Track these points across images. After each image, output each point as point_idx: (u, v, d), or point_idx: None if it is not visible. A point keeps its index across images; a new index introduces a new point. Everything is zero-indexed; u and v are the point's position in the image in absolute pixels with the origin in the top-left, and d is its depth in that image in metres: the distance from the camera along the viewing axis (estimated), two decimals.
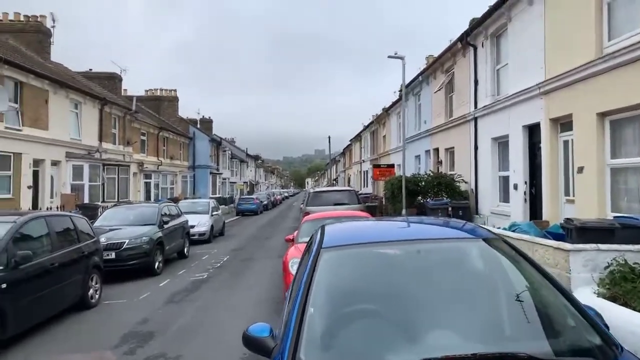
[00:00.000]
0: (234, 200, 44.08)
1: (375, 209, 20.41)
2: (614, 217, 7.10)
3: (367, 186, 36.45)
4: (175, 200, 24.99)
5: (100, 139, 21.95)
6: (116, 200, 21.61)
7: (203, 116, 47.39)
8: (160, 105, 37.57)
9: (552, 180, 9.85)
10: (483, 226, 3.81)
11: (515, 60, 11.60)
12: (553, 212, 9.73)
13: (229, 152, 49.39)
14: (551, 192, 9.86)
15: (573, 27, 8.87)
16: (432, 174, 16.20)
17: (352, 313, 2.56)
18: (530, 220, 10.20)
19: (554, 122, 9.86)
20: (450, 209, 13.43)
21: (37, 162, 17.11)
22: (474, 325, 2.44)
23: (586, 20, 8.39)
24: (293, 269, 5.59)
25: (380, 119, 31.97)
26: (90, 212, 16.14)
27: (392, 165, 22.69)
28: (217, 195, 38.26)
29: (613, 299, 4.96)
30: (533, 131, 10.93)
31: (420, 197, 15.53)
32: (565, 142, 9.59)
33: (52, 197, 17.99)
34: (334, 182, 63.75)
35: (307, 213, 12.44)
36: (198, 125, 42.57)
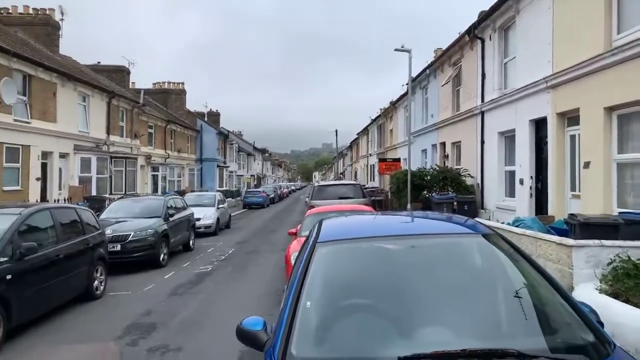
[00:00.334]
0: (240, 193, 44.25)
1: (381, 203, 20.39)
2: (619, 212, 7.04)
3: (373, 180, 36.38)
4: (182, 193, 25.16)
5: (108, 132, 22.09)
6: (123, 192, 21.79)
7: (210, 109, 47.50)
8: (168, 98, 37.70)
9: (558, 175, 9.76)
10: (481, 222, 3.78)
11: (523, 53, 11.47)
12: (559, 207, 9.66)
13: (236, 145, 49.49)
14: (557, 187, 9.78)
15: (581, 19, 8.74)
16: (438, 168, 16.13)
17: (346, 307, 2.56)
18: (536, 215, 10.14)
19: (560, 117, 9.75)
20: (455, 203, 13.38)
21: (45, 155, 17.27)
22: (468, 320, 2.43)
23: (595, 12, 8.26)
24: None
25: (388, 113, 31.82)
26: (98, 204, 16.30)
27: (398, 159, 22.60)
28: (224, 188, 38.42)
29: (615, 295, 4.92)
30: (540, 125, 10.82)
31: (425, 192, 15.47)
32: (572, 137, 9.48)
33: (60, 189, 18.16)
34: (341, 175, 63.71)
35: (312, 206, 12.46)
36: (205, 119, 42.67)
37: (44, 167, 17.27)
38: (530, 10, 10.95)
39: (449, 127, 17.77)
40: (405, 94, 23.57)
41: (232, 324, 2.64)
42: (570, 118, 9.52)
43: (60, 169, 18.34)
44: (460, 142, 16.69)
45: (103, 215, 12.18)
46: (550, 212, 9.94)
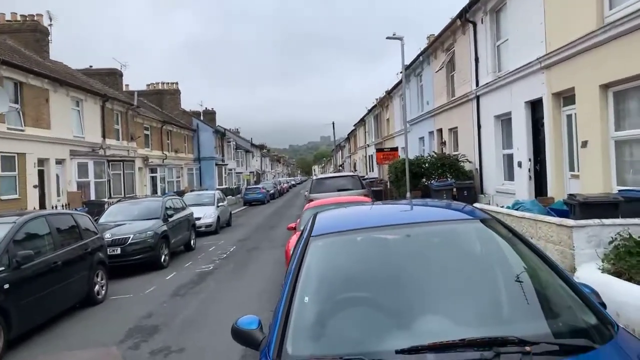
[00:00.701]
0: (240, 190, 44.20)
1: (380, 193, 20.34)
2: (619, 190, 6.97)
3: (372, 170, 36.31)
4: (182, 193, 25.10)
5: (104, 136, 21.98)
6: (123, 195, 21.73)
7: (206, 108, 47.37)
8: (163, 98, 37.55)
9: (556, 156, 9.69)
10: (479, 207, 3.72)
11: (515, 35, 11.35)
12: (558, 188, 9.59)
13: (234, 143, 49.37)
14: (556, 168, 9.71)
15: None
16: (435, 155, 16.05)
17: (342, 301, 2.51)
18: (536, 197, 10.08)
19: (556, 97, 9.66)
20: (455, 189, 13.33)
21: (41, 162, 17.19)
22: (467, 308, 2.37)
23: None
24: None
25: (383, 102, 31.68)
26: (97, 208, 16.26)
27: (396, 149, 22.52)
28: (224, 186, 38.36)
29: (618, 274, 4.87)
30: (536, 107, 10.73)
31: (424, 179, 15.41)
32: (569, 117, 9.40)
33: (58, 195, 18.11)
34: (340, 167, 63.67)
35: (311, 200, 12.40)
36: (201, 118, 42.54)
37: (41, 174, 17.20)
38: None
39: (445, 114, 17.67)
40: (400, 83, 23.44)
41: (234, 321, 2.60)
42: (566, 97, 9.43)
43: (57, 175, 18.27)
44: (457, 127, 16.60)
45: (102, 219, 12.13)
46: (549, 193, 9.88)
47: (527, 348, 1.91)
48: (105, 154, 21.57)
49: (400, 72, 18.95)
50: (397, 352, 1.98)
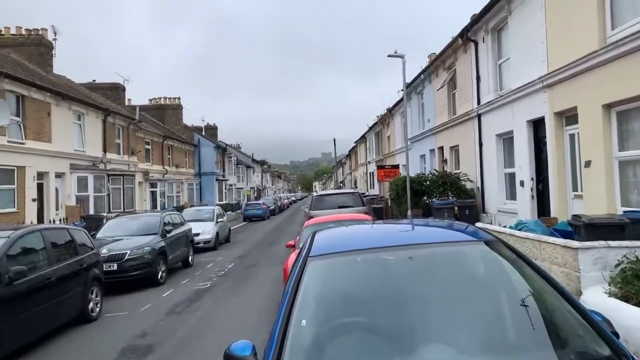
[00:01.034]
0: (240, 206, 44.04)
1: (381, 211, 20.20)
2: (624, 211, 6.86)
3: (373, 187, 36.21)
4: (181, 208, 24.97)
5: (105, 150, 21.97)
6: (122, 210, 21.61)
7: (208, 123, 47.46)
8: (165, 113, 37.67)
9: (559, 175, 9.60)
10: (482, 227, 3.61)
11: (517, 54, 11.37)
12: (561, 208, 9.48)
13: (235, 158, 49.39)
14: (558, 188, 9.61)
15: (575, 17, 8.64)
16: (437, 173, 15.97)
17: (340, 326, 2.39)
18: (538, 217, 9.95)
19: (558, 116, 9.61)
20: (456, 208, 13.21)
21: (41, 175, 17.12)
22: (472, 335, 2.26)
23: (588, 9, 8.16)
24: None
25: (384, 120, 31.75)
26: (96, 223, 16.12)
27: (397, 166, 22.46)
28: (224, 202, 38.23)
29: (626, 298, 4.73)
30: (538, 126, 10.68)
31: (425, 197, 15.30)
32: (572, 136, 9.34)
33: (57, 209, 17.99)
34: (341, 184, 63.57)
35: (311, 217, 12.28)
36: (203, 133, 42.62)
37: (40, 187, 17.12)
38: (522, 10, 10.86)
39: (446, 132, 17.65)
40: (401, 100, 23.49)
41: (230, 341, 2.48)
42: (569, 117, 9.38)
43: (56, 189, 18.18)
44: (458, 146, 16.56)
45: (99, 234, 12.00)
46: (552, 213, 9.75)
47: None
48: (105, 168, 21.52)
49: (402, 90, 19.01)
50: None
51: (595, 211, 7.48)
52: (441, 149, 18.64)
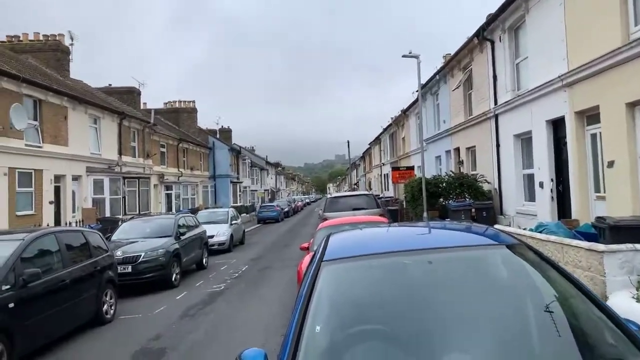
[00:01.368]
0: (255, 208, 44.13)
1: (396, 213, 19.99)
2: None
3: (388, 189, 35.94)
4: (196, 210, 25.06)
5: (120, 153, 22.17)
6: (137, 212, 21.77)
7: (222, 126, 47.75)
8: (179, 117, 37.98)
9: (580, 176, 9.32)
10: (502, 229, 3.44)
11: (535, 52, 11.11)
12: (582, 210, 9.20)
13: (249, 161, 49.58)
14: (580, 188, 9.33)
15: (595, 13, 8.39)
16: (453, 175, 15.73)
17: (355, 334, 2.27)
18: (559, 219, 9.68)
19: (579, 115, 9.35)
20: (473, 210, 12.97)
21: (58, 178, 17.33)
22: (495, 346, 2.12)
23: (610, 4, 7.91)
24: None
25: (399, 121, 31.51)
26: (111, 225, 16.23)
27: (412, 167, 22.24)
28: (238, 204, 38.35)
29: None
30: (557, 125, 10.41)
31: (441, 199, 15.07)
32: (593, 136, 9.06)
33: (74, 211, 18.18)
34: (355, 186, 63.33)
35: (325, 219, 12.16)
36: (217, 135, 42.85)
37: (57, 190, 17.32)
38: (540, 7, 10.62)
39: (462, 132, 17.38)
40: (416, 101, 23.27)
41: (243, 345, 2.39)
42: (590, 116, 9.11)
43: (73, 192, 18.38)
44: (474, 146, 16.29)
45: (114, 237, 12.06)
46: (573, 215, 9.48)
47: None
48: (121, 170, 21.72)
49: (416, 91, 18.81)
50: None
51: (619, 213, 7.22)
52: (457, 150, 18.37)
